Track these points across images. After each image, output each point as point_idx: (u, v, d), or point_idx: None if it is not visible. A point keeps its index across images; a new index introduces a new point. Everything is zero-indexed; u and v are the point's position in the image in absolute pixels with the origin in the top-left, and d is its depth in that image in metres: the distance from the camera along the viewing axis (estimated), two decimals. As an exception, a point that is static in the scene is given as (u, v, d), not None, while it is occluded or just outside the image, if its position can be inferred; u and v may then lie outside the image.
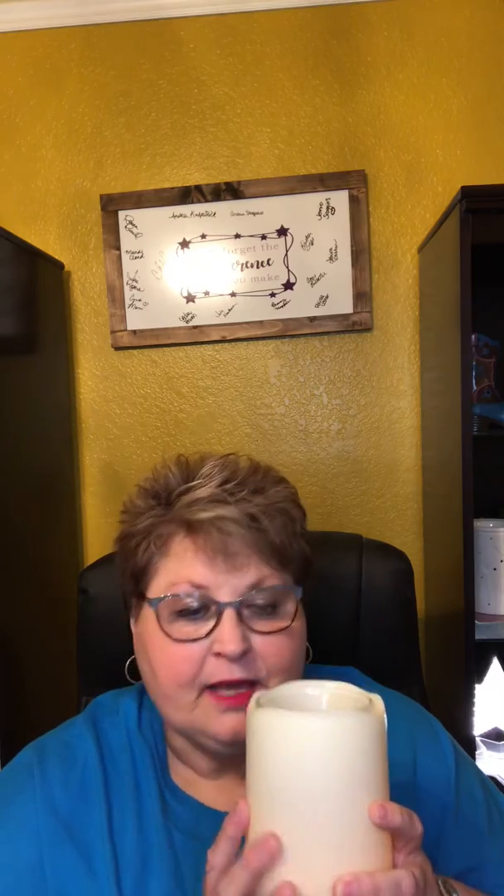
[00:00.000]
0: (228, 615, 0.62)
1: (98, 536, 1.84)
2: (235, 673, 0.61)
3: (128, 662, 0.72)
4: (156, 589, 0.66)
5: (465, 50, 1.70)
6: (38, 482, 1.58)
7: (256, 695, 0.53)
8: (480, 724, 1.50)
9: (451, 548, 1.43)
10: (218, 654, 0.62)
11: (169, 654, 0.63)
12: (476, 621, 1.37)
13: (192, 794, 0.69)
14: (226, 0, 1.70)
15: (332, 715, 0.49)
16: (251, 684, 0.63)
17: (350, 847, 0.47)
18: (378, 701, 0.51)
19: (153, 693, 0.67)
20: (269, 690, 0.55)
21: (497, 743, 1.49)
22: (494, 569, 1.47)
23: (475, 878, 0.66)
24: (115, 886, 0.62)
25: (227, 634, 0.61)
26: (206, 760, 0.68)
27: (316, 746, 0.47)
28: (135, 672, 0.71)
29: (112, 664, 0.92)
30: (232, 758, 0.65)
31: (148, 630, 0.66)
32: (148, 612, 0.66)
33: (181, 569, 0.64)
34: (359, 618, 0.93)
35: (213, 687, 0.62)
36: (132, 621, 0.71)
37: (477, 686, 1.48)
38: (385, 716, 0.50)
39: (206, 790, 0.69)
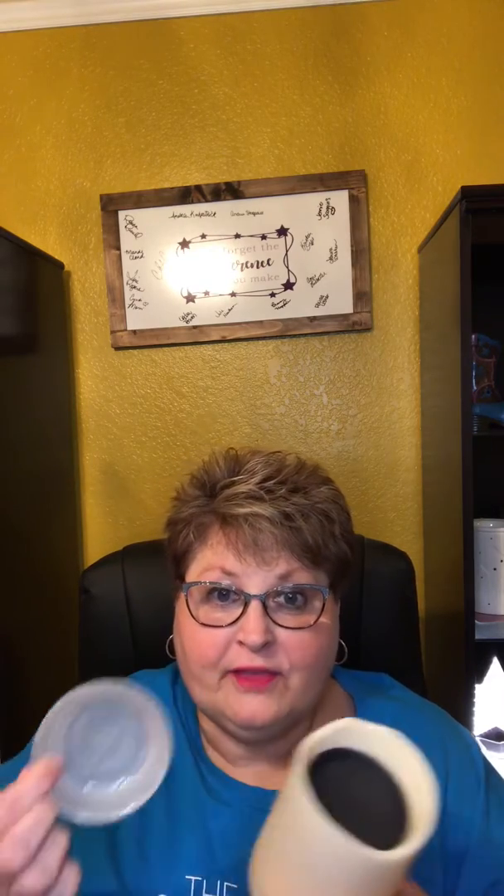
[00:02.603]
0: (254, 606, 0.64)
1: (98, 536, 1.84)
2: (256, 661, 0.64)
3: (168, 640, 0.75)
4: (192, 574, 0.69)
5: (465, 50, 1.70)
6: (38, 482, 1.58)
7: (308, 744, 0.47)
8: (480, 724, 1.50)
9: (451, 548, 1.43)
10: (241, 643, 0.64)
11: (197, 637, 0.66)
12: (476, 621, 1.37)
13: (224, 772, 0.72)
14: (226, 0, 1.70)
15: (364, 848, 0.43)
16: (272, 674, 0.65)
17: None
18: (428, 811, 0.46)
19: (183, 672, 0.70)
20: (325, 734, 0.49)
21: (497, 743, 1.49)
22: (494, 569, 1.47)
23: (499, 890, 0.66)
24: (138, 851, 0.65)
25: (251, 625, 0.63)
26: (234, 745, 0.70)
27: (344, 869, 0.44)
28: (173, 650, 0.74)
29: (113, 664, 0.92)
30: (257, 744, 0.68)
31: (181, 612, 0.69)
32: (182, 595, 0.69)
33: (214, 557, 0.67)
34: (360, 618, 0.93)
35: (234, 671, 0.65)
36: (175, 602, 0.74)
37: (477, 686, 1.48)
38: (424, 837, 0.45)
39: (238, 774, 0.71)
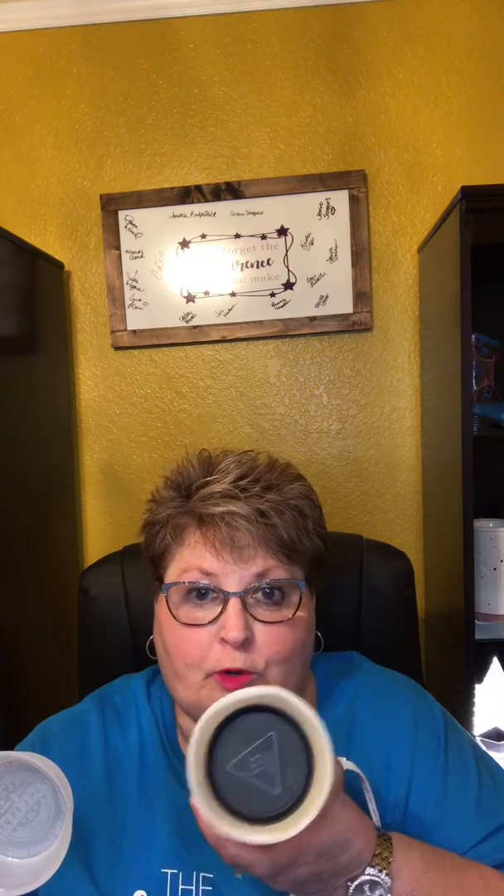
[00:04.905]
0: (233, 603, 0.65)
1: (98, 536, 1.84)
2: (238, 662, 0.65)
3: (148, 641, 0.76)
4: (170, 575, 0.70)
5: (465, 50, 1.70)
6: (38, 482, 1.58)
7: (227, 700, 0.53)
8: (480, 723, 1.50)
9: (451, 548, 1.43)
10: (223, 640, 0.65)
11: (179, 637, 0.67)
12: (476, 621, 1.37)
13: None
14: (226, 0, 1.70)
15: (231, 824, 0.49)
16: (251, 674, 0.66)
17: None
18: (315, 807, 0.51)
19: (165, 671, 0.71)
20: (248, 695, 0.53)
21: (497, 743, 1.49)
22: (494, 569, 1.47)
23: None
24: (112, 849, 0.66)
25: (232, 622, 0.64)
26: None
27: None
28: (154, 650, 0.75)
29: (112, 664, 0.92)
30: None
31: (162, 612, 0.70)
32: (162, 596, 0.70)
33: (192, 558, 0.68)
34: (359, 618, 0.93)
35: (219, 672, 0.65)
36: (155, 603, 0.75)
37: (477, 686, 1.48)
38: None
39: None
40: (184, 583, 0.67)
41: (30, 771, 0.53)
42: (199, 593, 0.67)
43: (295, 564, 0.69)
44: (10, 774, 0.53)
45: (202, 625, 0.66)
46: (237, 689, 0.64)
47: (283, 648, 0.66)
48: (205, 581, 0.67)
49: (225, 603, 0.66)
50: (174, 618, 0.67)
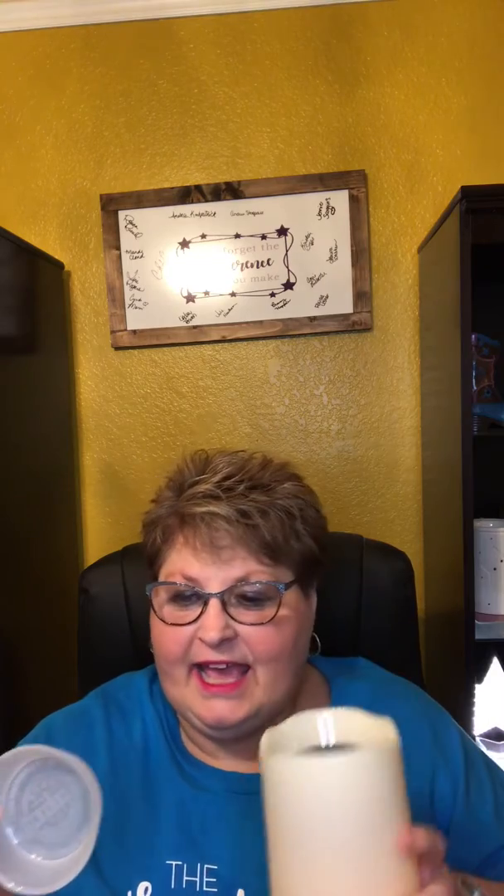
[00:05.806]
0: (213, 605, 0.66)
1: (98, 536, 1.84)
2: (217, 655, 0.66)
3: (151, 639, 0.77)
4: (161, 576, 0.71)
5: (465, 50, 1.70)
6: (38, 482, 1.58)
7: (266, 736, 0.51)
8: (480, 723, 1.50)
9: (451, 548, 1.43)
10: (201, 640, 0.66)
11: (163, 634, 0.69)
12: (476, 621, 1.37)
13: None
14: (226, 0, 1.70)
15: (347, 754, 0.46)
16: (239, 667, 0.66)
17: (384, 878, 0.46)
18: (388, 725, 0.50)
19: (157, 669, 0.72)
20: (277, 727, 0.53)
21: (497, 743, 1.49)
22: (494, 569, 1.47)
23: (491, 864, 0.68)
24: (116, 841, 0.67)
25: (209, 623, 0.65)
26: (204, 740, 0.72)
27: (337, 788, 0.45)
28: None
29: (112, 664, 0.92)
30: (223, 742, 0.70)
31: (151, 611, 0.71)
32: (150, 595, 0.71)
33: (177, 560, 0.69)
34: (359, 618, 0.94)
35: (200, 667, 0.67)
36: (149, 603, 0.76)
37: (477, 686, 1.48)
38: (398, 739, 0.49)
39: (216, 765, 0.73)
40: (166, 582, 0.69)
41: (66, 772, 0.53)
42: (183, 596, 0.68)
43: (281, 566, 0.69)
44: (45, 772, 0.53)
45: (182, 624, 0.67)
46: (222, 694, 0.66)
47: (266, 648, 0.66)
48: (185, 584, 0.68)
49: (205, 604, 0.66)
50: (158, 617, 0.69)
